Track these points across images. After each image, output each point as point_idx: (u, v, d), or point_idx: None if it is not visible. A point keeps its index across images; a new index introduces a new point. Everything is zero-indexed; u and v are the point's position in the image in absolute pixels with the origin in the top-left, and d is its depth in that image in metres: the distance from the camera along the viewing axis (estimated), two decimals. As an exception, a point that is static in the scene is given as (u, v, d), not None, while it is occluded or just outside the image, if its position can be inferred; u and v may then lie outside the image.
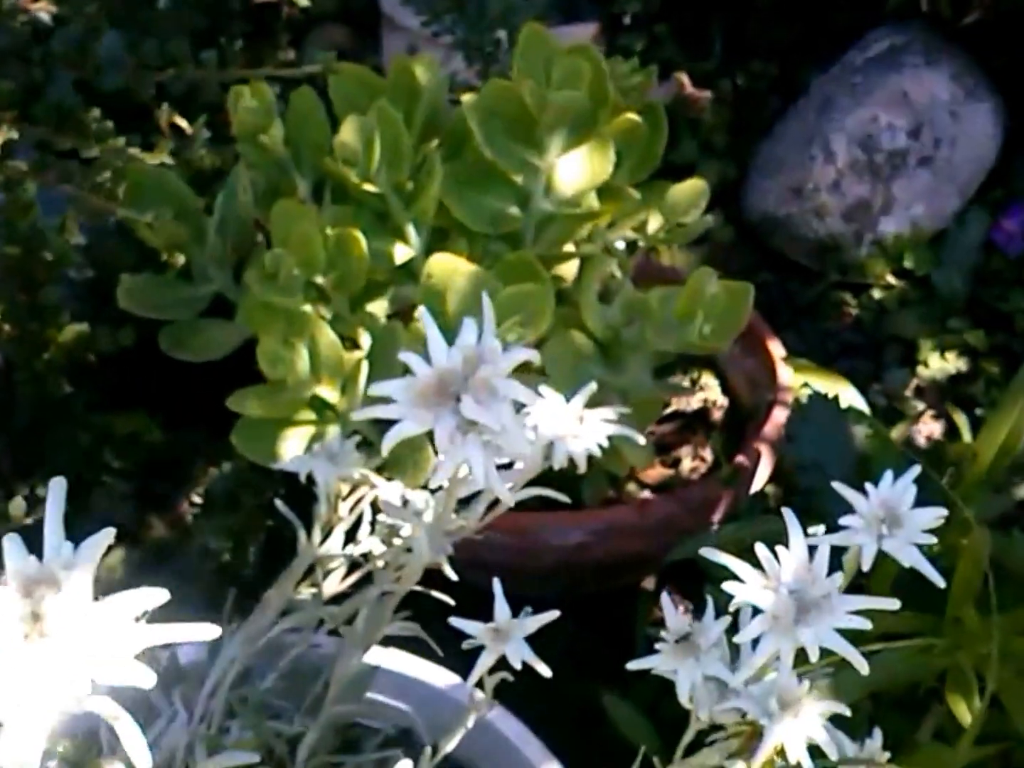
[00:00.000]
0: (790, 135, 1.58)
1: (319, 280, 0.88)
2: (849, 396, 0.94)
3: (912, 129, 1.52)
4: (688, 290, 0.86)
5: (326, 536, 0.83)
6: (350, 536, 0.82)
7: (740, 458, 1.02)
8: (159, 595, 0.33)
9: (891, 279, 1.57)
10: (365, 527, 0.82)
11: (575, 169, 0.98)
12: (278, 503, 0.83)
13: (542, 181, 0.97)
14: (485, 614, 0.54)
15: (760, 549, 0.46)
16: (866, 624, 0.46)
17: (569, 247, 1.05)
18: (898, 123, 1.52)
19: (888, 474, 0.55)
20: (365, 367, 0.85)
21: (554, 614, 0.54)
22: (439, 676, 0.79)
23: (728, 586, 0.46)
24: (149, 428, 1.17)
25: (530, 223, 0.98)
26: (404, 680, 0.78)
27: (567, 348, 0.93)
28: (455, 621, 0.54)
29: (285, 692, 0.76)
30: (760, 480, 1.07)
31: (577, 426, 0.62)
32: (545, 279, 0.86)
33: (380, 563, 0.79)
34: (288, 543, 0.82)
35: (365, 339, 0.95)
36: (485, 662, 0.54)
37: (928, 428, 1.43)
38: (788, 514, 0.47)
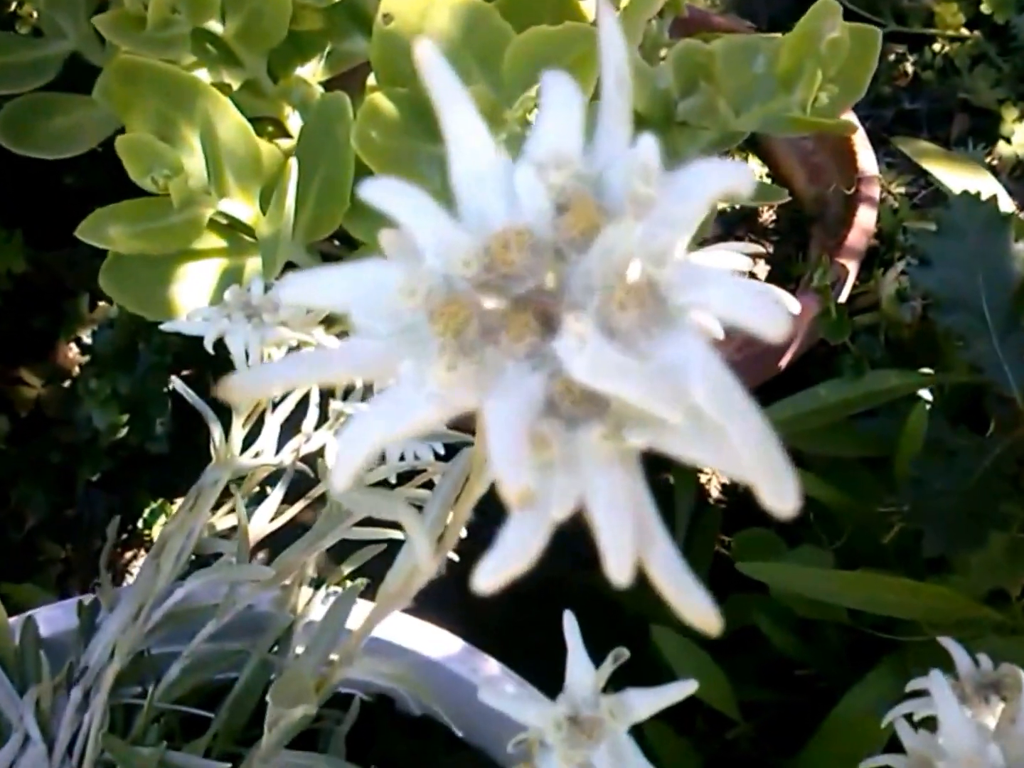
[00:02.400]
0: None
1: (215, 27, 0.56)
2: (996, 195, 0.65)
3: None
4: (795, 38, 0.55)
5: (253, 435, 0.54)
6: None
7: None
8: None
9: (963, 29, 1.27)
10: (311, 417, 0.54)
11: None
12: (176, 383, 0.55)
13: None
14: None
15: None
16: None
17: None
18: None
19: None
20: (293, 165, 0.54)
21: (691, 686, 0.27)
22: (427, 639, 0.53)
23: None
24: (8, 250, 0.86)
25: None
26: (381, 641, 0.53)
27: (594, 130, 0.63)
28: (486, 696, 0.27)
29: (201, 680, 0.50)
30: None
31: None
32: (584, 13, 0.53)
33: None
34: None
35: (294, 122, 0.63)
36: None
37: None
38: None
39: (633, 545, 0.15)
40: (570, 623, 0.28)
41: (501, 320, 0.15)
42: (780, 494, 0.14)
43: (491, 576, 0.15)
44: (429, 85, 0.16)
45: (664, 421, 0.15)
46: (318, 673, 0.34)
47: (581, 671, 0.28)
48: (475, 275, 0.15)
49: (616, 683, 0.32)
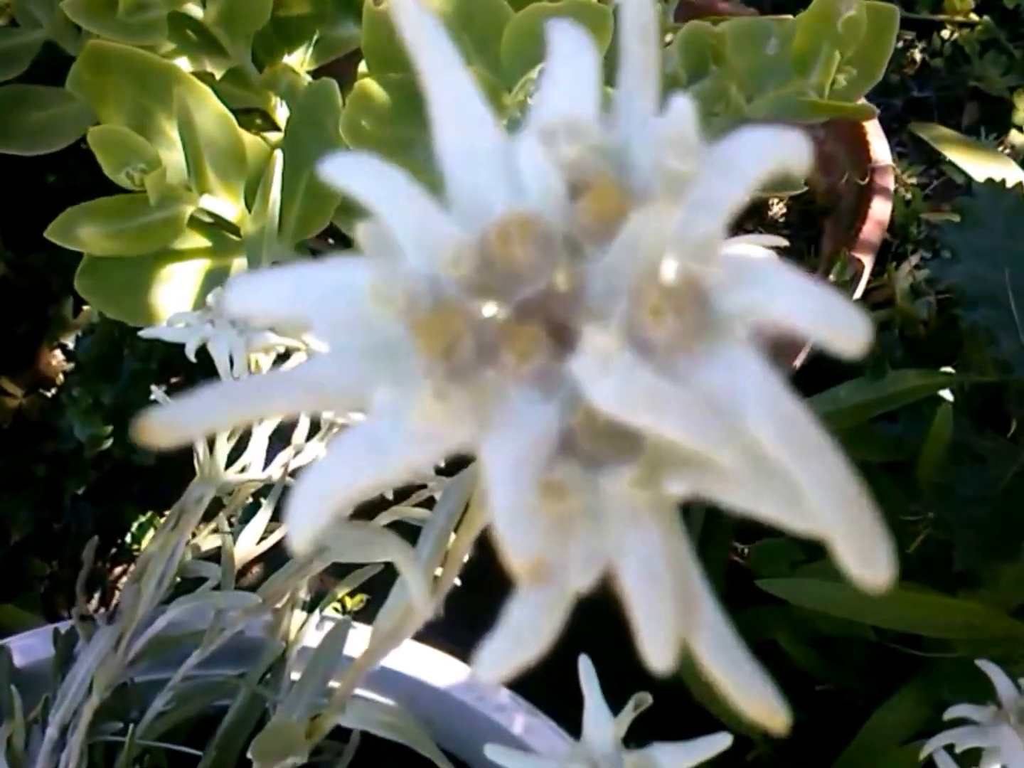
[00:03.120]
0: None
1: (194, 11, 0.53)
2: (1022, 183, 0.62)
3: None
4: (811, 17, 0.52)
5: (240, 447, 0.51)
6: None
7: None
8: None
9: (972, 15, 1.24)
10: (301, 428, 0.51)
11: None
12: (157, 393, 0.51)
13: None
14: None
15: None
16: None
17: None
18: None
19: None
20: (278, 158, 0.50)
21: (725, 740, 0.24)
22: (431, 666, 0.50)
23: None
24: (-12, 252, 0.82)
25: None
26: (382, 669, 0.49)
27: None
28: (494, 755, 0.24)
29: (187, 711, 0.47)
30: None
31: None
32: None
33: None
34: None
35: (282, 113, 0.60)
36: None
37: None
38: None
39: (675, 621, 0.12)
40: (586, 668, 0.25)
41: (502, 334, 0.12)
42: (868, 558, 0.11)
43: (494, 667, 0.11)
44: (407, 38, 0.12)
45: (713, 463, 0.11)
46: (313, 707, 0.31)
47: (600, 725, 0.24)
48: (468, 276, 0.12)
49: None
